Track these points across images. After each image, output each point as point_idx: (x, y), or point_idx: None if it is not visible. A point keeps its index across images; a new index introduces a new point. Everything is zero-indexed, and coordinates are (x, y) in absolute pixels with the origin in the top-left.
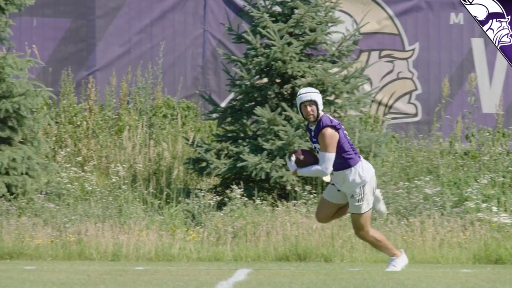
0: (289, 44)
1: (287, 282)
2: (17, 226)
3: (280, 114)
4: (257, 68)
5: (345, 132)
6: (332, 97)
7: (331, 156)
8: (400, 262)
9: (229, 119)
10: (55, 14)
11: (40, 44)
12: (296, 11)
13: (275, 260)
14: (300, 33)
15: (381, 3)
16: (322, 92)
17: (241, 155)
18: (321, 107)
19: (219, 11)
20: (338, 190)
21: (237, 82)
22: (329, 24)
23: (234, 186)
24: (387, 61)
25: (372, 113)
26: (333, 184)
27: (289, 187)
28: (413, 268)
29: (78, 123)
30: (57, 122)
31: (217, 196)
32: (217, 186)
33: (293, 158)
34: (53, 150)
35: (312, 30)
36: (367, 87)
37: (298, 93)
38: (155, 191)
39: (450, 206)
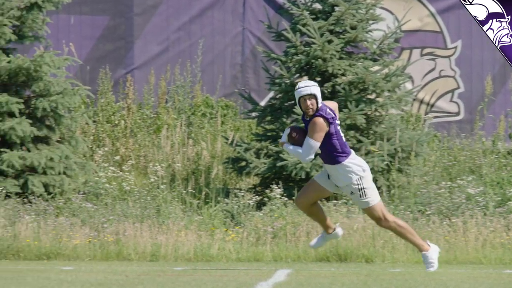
0: (330, 42)
1: (327, 283)
2: (55, 226)
3: None
4: (297, 66)
5: (338, 127)
6: (373, 96)
7: (314, 143)
8: (433, 254)
9: (268, 118)
10: (93, 12)
11: (78, 42)
12: (336, 8)
13: (315, 260)
14: (340, 30)
15: (423, 0)
16: (363, 90)
17: (280, 155)
18: (320, 100)
19: (259, 9)
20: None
21: (277, 81)
22: (370, 22)
23: (274, 186)
24: (429, 59)
25: (413, 111)
26: (329, 176)
27: None
28: (456, 269)
29: (116, 122)
30: (95, 121)
31: (257, 196)
32: (257, 186)
33: (288, 131)
34: (91, 150)
35: (353, 27)
36: (408, 86)
37: (297, 86)
38: (193, 191)
39: (493, 206)
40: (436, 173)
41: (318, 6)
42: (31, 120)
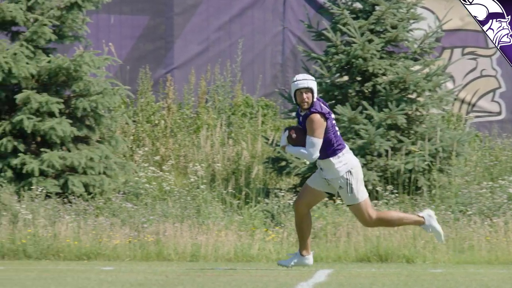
0: (370, 41)
1: (368, 284)
2: (95, 226)
3: (361, 112)
4: (337, 65)
5: (333, 122)
6: (414, 95)
7: (317, 141)
8: (431, 221)
9: None
10: (133, 12)
11: (118, 42)
12: (377, 7)
13: (355, 261)
14: (381, 30)
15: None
16: (404, 90)
17: None
18: (315, 95)
19: (299, 8)
20: (324, 178)
21: (317, 80)
22: (411, 21)
23: None
24: (470, 59)
25: (454, 111)
26: (321, 169)
27: (370, 187)
28: (497, 269)
29: (156, 122)
30: (134, 121)
31: (297, 196)
32: (297, 186)
33: (287, 133)
34: (131, 149)
35: (394, 27)
36: (449, 85)
37: (295, 78)
38: (234, 191)
39: None
40: (477, 173)
41: (358, 5)
42: (71, 120)
